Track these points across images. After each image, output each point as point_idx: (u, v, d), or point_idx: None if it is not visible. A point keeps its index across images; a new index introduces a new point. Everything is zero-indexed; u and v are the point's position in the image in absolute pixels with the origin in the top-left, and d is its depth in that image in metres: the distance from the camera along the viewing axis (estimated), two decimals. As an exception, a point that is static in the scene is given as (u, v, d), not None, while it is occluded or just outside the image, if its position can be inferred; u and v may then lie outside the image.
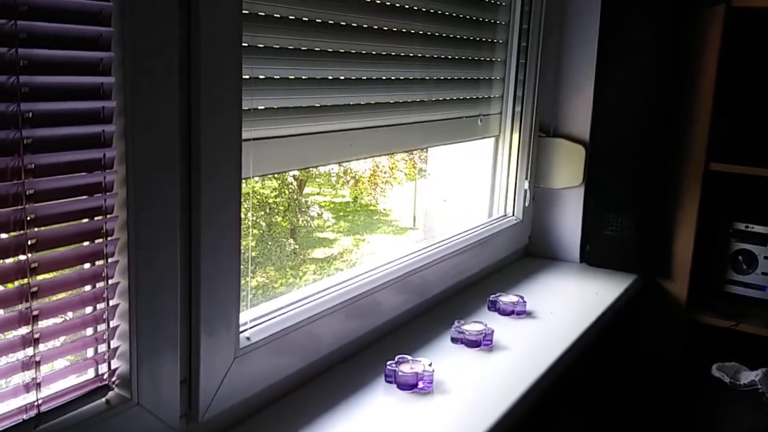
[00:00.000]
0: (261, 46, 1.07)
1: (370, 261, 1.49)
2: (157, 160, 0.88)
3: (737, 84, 2.01)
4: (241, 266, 1.05)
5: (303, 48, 1.15)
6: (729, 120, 1.99)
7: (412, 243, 1.62)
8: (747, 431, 1.63)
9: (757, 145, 2.03)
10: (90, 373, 0.90)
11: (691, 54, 1.84)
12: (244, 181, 1.04)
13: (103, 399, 0.90)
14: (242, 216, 1.04)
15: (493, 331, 1.44)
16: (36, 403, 0.82)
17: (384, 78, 1.38)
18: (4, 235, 0.76)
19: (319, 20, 1.18)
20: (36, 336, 0.80)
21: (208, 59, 0.92)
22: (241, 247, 1.04)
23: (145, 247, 0.88)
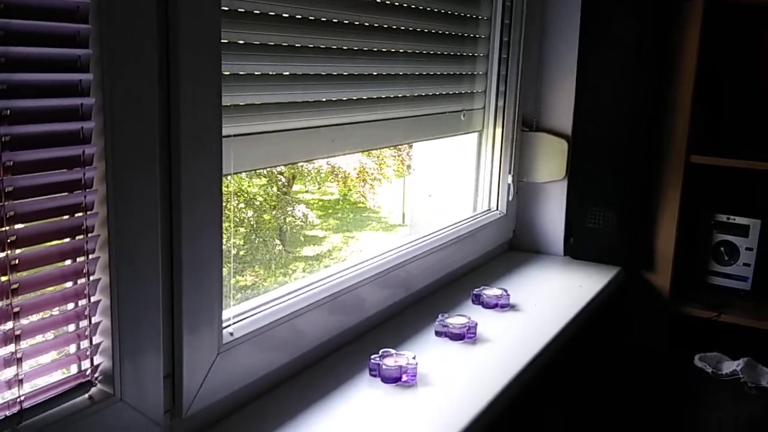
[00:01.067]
0: (241, 42, 1.07)
1: (356, 257, 1.50)
2: (136, 157, 0.88)
3: (717, 76, 2.02)
4: (229, 264, 1.05)
5: (284, 44, 1.16)
6: (709, 112, 2.00)
7: (400, 239, 1.63)
8: (729, 420, 1.65)
9: (738, 137, 2.05)
10: (72, 370, 0.90)
11: (671, 47, 1.86)
12: (228, 177, 1.04)
13: (86, 395, 0.90)
14: (226, 213, 1.04)
15: (476, 324, 1.46)
16: (18, 400, 0.82)
17: (366, 74, 1.38)
18: (-17, 233, 0.76)
19: (300, 16, 1.18)
20: (17, 332, 0.80)
21: (186, 56, 0.92)
22: (225, 244, 1.04)
23: (126, 243, 0.89)
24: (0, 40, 0.73)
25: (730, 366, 1.79)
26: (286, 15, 1.15)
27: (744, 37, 2.02)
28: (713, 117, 2.03)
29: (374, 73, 1.41)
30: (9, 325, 0.79)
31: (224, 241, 1.04)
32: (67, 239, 0.85)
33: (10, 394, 0.81)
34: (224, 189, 1.03)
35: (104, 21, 0.82)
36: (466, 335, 1.44)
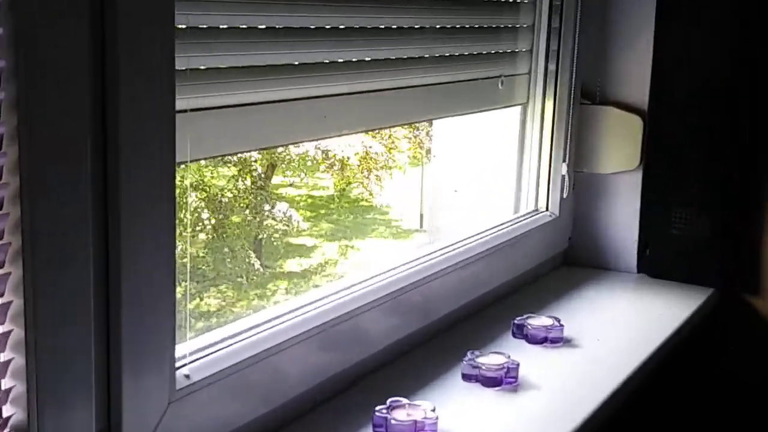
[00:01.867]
0: (202, -16, 1.08)
1: (357, 273, 1.50)
2: (61, 139, 0.88)
3: None
4: (185, 282, 1.06)
5: (259, -13, 1.17)
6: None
7: (416, 249, 1.64)
8: None
9: None
10: (-26, 424, 0.91)
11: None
12: (183, 166, 1.04)
13: (-7, 458, 0.91)
14: (182, 215, 1.04)
15: (518, 365, 1.46)
16: None
17: (370, 27, 1.39)
18: None
19: (281, -50, 1.19)
20: None
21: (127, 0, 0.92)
22: (180, 257, 1.04)
23: (47, 255, 0.89)
24: None
25: None
26: (263, -52, 1.16)
27: None
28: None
29: (382, 27, 1.41)
30: None
31: (179, 252, 1.04)
32: (-33, 249, 0.85)
33: None
34: (179, 182, 1.03)
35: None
36: (504, 379, 1.44)
